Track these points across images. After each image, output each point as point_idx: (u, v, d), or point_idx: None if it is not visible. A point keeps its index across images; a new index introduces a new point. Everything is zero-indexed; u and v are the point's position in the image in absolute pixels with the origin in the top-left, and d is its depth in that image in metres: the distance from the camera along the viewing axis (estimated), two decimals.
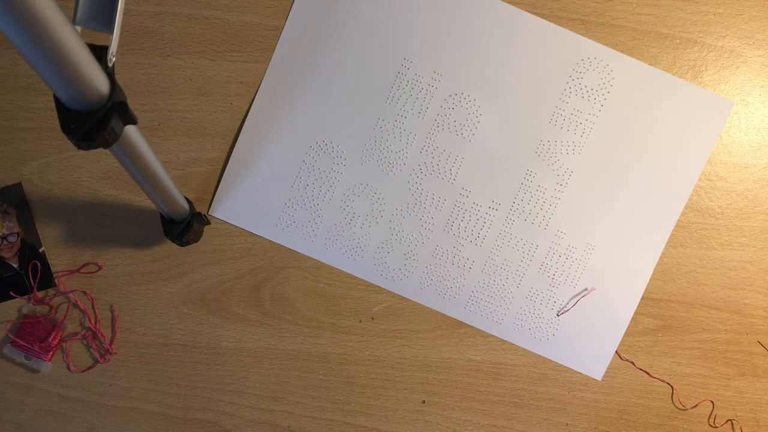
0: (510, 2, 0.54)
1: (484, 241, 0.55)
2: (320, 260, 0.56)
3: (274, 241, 0.56)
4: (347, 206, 0.56)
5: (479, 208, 0.55)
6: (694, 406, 0.56)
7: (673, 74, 0.54)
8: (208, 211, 0.56)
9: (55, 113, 0.30)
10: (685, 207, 0.55)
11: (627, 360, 0.56)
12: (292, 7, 0.55)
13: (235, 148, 0.56)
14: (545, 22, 0.54)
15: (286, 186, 0.56)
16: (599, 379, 0.56)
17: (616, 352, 0.56)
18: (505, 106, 0.54)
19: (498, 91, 0.54)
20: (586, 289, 0.55)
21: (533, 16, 0.54)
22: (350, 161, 0.55)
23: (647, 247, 0.55)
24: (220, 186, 0.56)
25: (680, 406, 0.56)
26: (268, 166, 0.56)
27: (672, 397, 0.56)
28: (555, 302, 0.55)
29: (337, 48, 0.55)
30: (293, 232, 0.56)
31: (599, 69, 0.54)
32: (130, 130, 0.35)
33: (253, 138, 0.56)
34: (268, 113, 0.55)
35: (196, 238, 0.55)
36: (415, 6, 0.54)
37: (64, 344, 0.56)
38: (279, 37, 0.55)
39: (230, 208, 0.56)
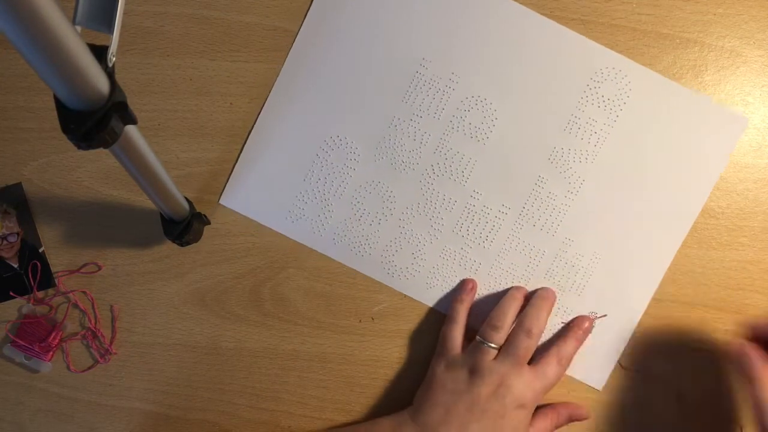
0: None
1: (492, 244, 0.55)
2: (327, 255, 0.56)
3: (283, 233, 0.56)
4: (358, 203, 0.56)
5: (489, 211, 0.55)
6: None
7: (673, 74, 0.54)
8: (218, 201, 0.56)
9: (55, 113, 0.30)
10: None
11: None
12: (311, 5, 0.55)
13: (248, 140, 0.56)
14: (566, 29, 0.54)
15: (298, 179, 0.56)
16: (599, 389, 0.55)
17: (617, 361, 0.55)
18: (520, 111, 0.54)
19: (514, 97, 0.54)
20: (595, 313, 0.55)
21: (557, 23, 0.53)
22: (363, 158, 0.55)
23: (654, 259, 0.54)
24: (232, 176, 0.56)
25: None
26: (281, 159, 0.56)
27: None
28: (559, 308, 0.55)
29: (356, 45, 0.55)
30: (302, 226, 0.56)
31: (617, 79, 0.54)
32: (130, 130, 0.35)
33: (267, 130, 0.56)
34: (285, 105, 0.55)
35: (196, 238, 0.55)
36: (437, 7, 0.54)
37: (64, 344, 0.56)
38: (298, 31, 0.55)
39: (241, 199, 0.56)
